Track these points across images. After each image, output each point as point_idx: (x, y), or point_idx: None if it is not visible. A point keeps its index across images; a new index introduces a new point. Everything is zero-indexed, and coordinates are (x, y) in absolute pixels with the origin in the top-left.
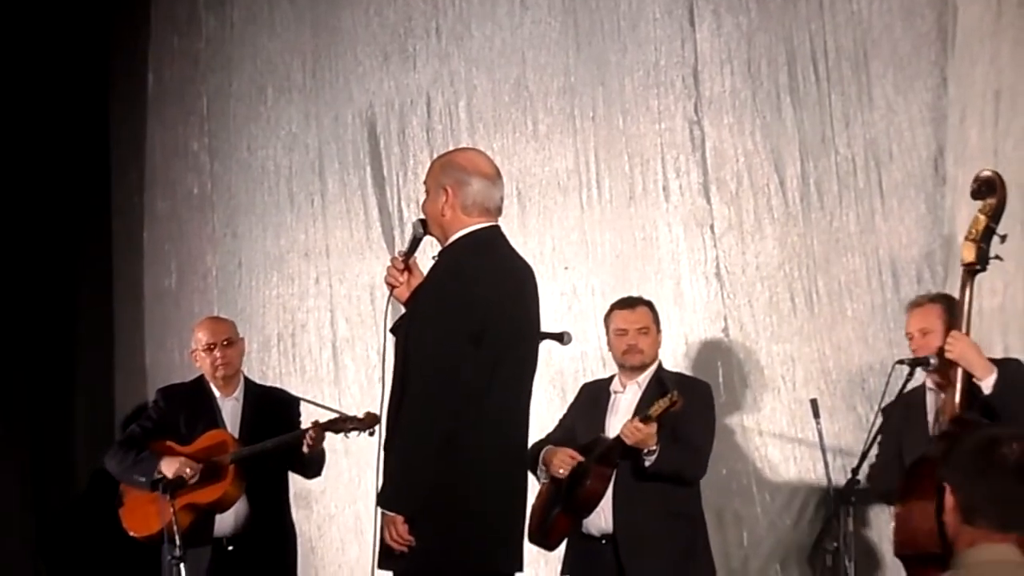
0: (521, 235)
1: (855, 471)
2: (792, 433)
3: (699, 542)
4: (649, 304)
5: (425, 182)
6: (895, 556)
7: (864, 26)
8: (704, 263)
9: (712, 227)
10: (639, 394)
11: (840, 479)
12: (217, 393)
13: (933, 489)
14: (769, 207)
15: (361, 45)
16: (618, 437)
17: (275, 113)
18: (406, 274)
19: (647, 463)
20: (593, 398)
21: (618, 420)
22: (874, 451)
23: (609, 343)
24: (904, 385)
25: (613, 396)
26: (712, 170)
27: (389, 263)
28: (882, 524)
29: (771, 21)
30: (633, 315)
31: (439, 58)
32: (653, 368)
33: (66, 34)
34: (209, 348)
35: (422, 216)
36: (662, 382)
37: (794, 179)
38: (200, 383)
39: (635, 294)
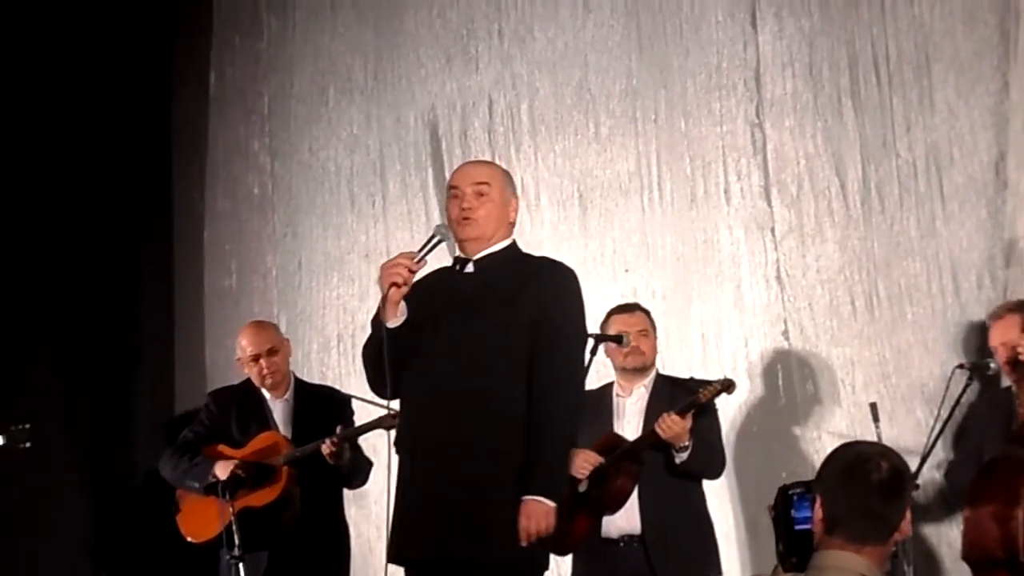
0: (582, 237)
1: (915, 475)
2: (852, 437)
3: (712, 542)
4: (646, 310)
5: (487, 183)
6: (962, 559)
7: (926, 30)
8: (765, 266)
9: (773, 230)
10: (646, 397)
11: None
12: (267, 395)
13: (1002, 493)
14: (830, 210)
15: (423, 47)
16: (651, 433)
17: (336, 114)
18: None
19: (678, 459)
20: (596, 405)
21: (627, 424)
22: (953, 450)
23: (607, 349)
24: (964, 389)
25: (617, 401)
26: (773, 173)
27: (399, 261)
28: (941, 528)
29: (833, 25)
30: (632, 318)
31: (501, 60)
32: (654, 372)
33: (129, 34)
34: (255, 359)
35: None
36: (673, 381)
37: (855, 183)
38: (250, 385)
39: (695, 298)
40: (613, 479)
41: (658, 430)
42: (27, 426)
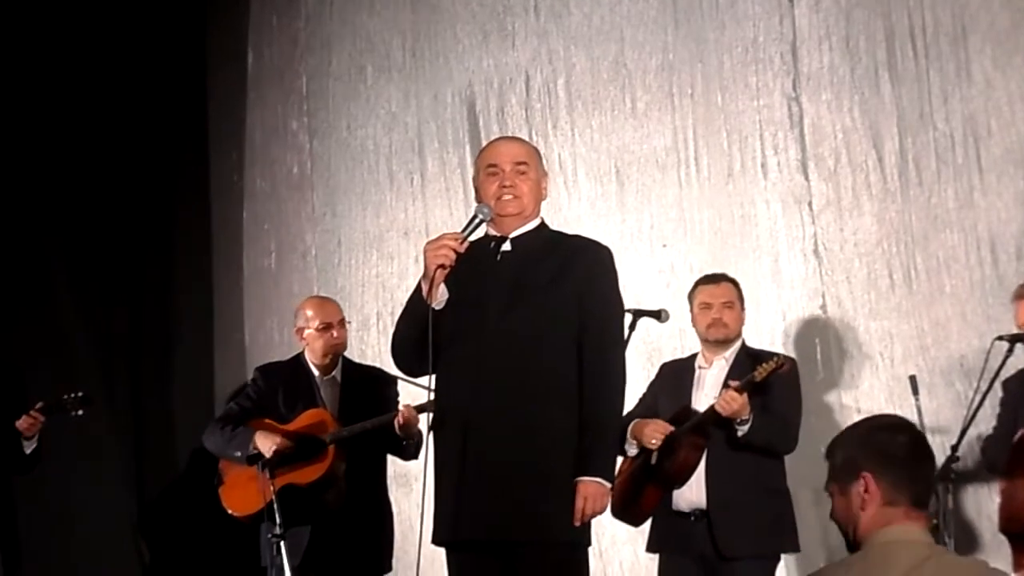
0: (620, 212)
1: (955, 448)
2: (891, 409)
3: (787, 517)
4: (734, 281)
5: (525, 162)
6: (1000, 532)
7: (962, 1)
8: (802, 240)
9: (810, 204)
10: (726, 369)
11: (939, 456)
12: (316, 372)
13: None
14: (867, 183)
15: (460, 23)
16: (711, 408)
17: (375, 92)
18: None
19: (739, 433)
20: (676, 375)
21: (704, 395)
22: (993, 423)
23: (693, 318)
24: (1004, 361)
25: (698, 372)
26: (810, 147)
27: (445, 242)
28: (981, 501)
29: None
30: (718, 289)
31: (538, 36)
32: (738, 344)
33: (166, 16)
34: (326, 327)
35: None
36: (752, 355)
37: (892, 155)
38: (298, 362)
39: (732, 272)
40: (679, 452)
41: (717, 406)
42: (80, 394)
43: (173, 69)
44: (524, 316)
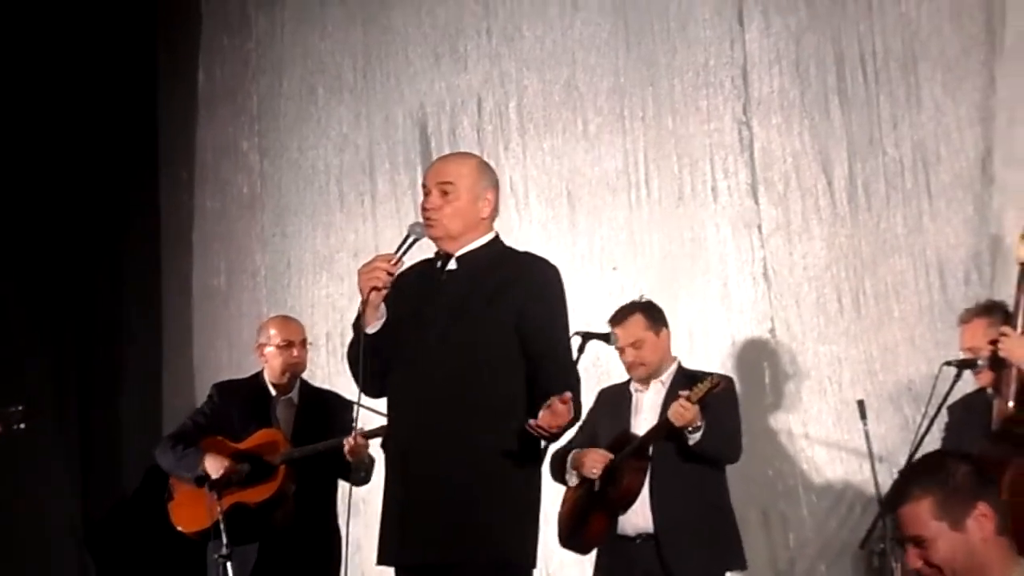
0: (570, 235)
1: (902, 472)
2: (838, 434)
3: (733, 533)
4: (644, 308)
5: (450, 182)
6: None
7: (912, 27)
8: (752, 263)
9: (760, 228)
10: (664, 391)
11: (887, 480)
12: (273, 392)
13: None
14: (817, 208)
15: (412, 45)
16: (663, 421)
17: (326, 113)
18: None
19: (692, 440)
20: (613, 402)
21: (643, 419)
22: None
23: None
24: (951, 386)
25: (636, 396)
26: (760, 171)
27: (376, 264)
28: None
29: (820, 22)
30: (623, 331)
31: (490, 58)
32: (674, 366)
33: (115, 33)
34: (287, 345)
35: (419, 220)
36: (688, 375)
37: (842, 180)
38: (257, 380)
39: (682, 295)
40: (622, 477)
41: (671, 416)
42: (21, 408)
43: (123, 88)
44: (462, 334)
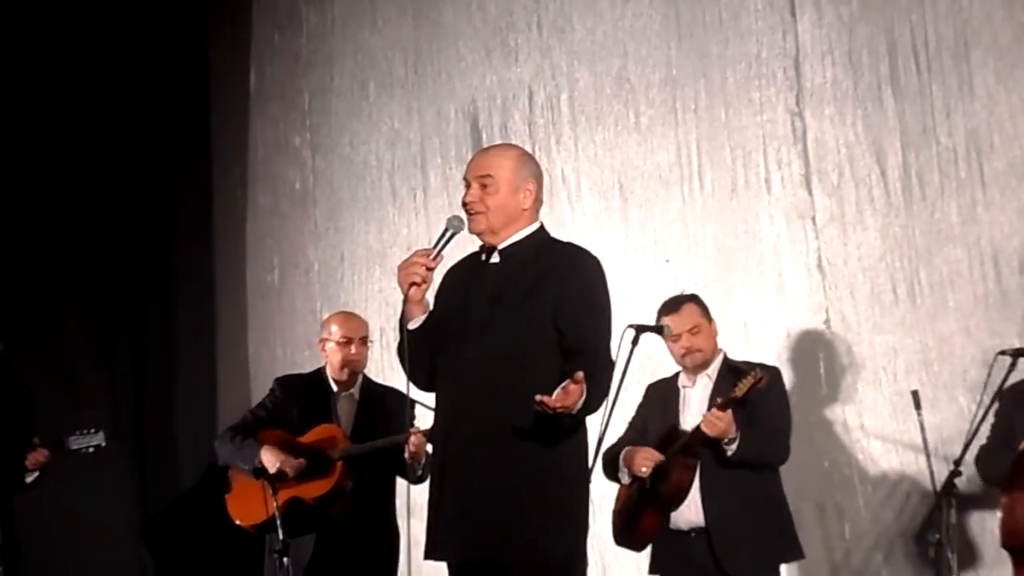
0: (623, 228)
1: (957, 462)
2: (894, 425)
3: (786, 525)
4: (695, 298)
5: (489, 175)
6: (1001, 547)
7: (964, 15)
8: (806, 255)
9: (814, 219)
10: (710, 386)
11: (942, 471)
12: (334, 388)
13: None
14: (871, 198)
15: (463, 40)
16: (697, 429)
17: (377, 108)
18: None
19: (729, 452)
20: (662, 397)
21: (691, 414)
22: (985, 433)
23: (667, 345)
24: (1007, 376)
25: (683, 391)
26: (814, 161)
27: (414, 260)
28: (984, 516)
29: (872, 11)
30: (680, 317)
31: (541, 52)
32: (719, 359)
33: (168, 32)
34: (346, 342)
35: (458, 213)
36: (734, 368)
37: (895, 170)
38: (319, 376)
39: (736, 287)
40: (672, 474)
41: (703, 428)
42: (92, 430)
43: (176, 85)
44: (500, 328)
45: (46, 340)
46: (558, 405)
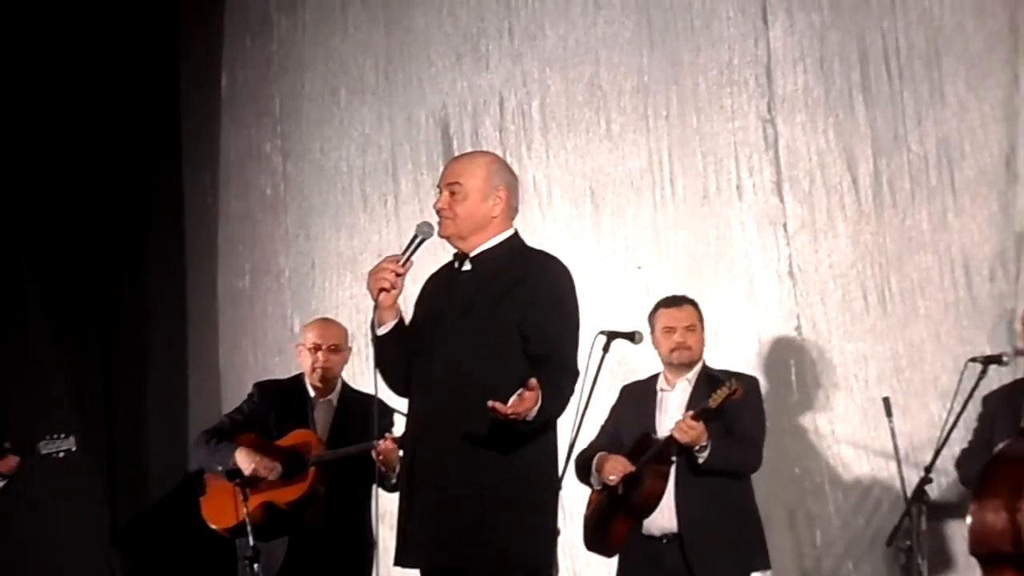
0: (594, 234)
1: (928, 469)
2: (865, 431)
3: (757, 534)
4: (694, 303)
5: (458, 182)
6: (970, 554)
7: (936, 24)
8: (777, 262)
9: (785, 226)
10: (689, 391)
11: (913, 477)
12: (312, 394)
13: (1008, 487)
14: (842, 205)
15: (434, 46)
16: (671, 436)
17: (348, 114)
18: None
19: (700, 460)
20: (637, 400)
21: (669, 418)
22: (963, 438)
23: (655, 341)
24: (977, 383)
25: (660, 395)
26: (785, 169)
27: (384, 266)
28: (955, 523)
29: (843, 19)
30: (680, 313)
31: (512, 58)
32: (700, 366)
33: (139, 37)
34: (315, 348)
35: (428, 219)
36: (713, 377)
37: (867, 177)
38: (298, 381)
39: (707, 293)
40: (644, 482)
41: (675, 434)
42: (63, 435)
43: (147, 90)
44: (470, 335)
45: (16, 345)
46: (510, 411)
